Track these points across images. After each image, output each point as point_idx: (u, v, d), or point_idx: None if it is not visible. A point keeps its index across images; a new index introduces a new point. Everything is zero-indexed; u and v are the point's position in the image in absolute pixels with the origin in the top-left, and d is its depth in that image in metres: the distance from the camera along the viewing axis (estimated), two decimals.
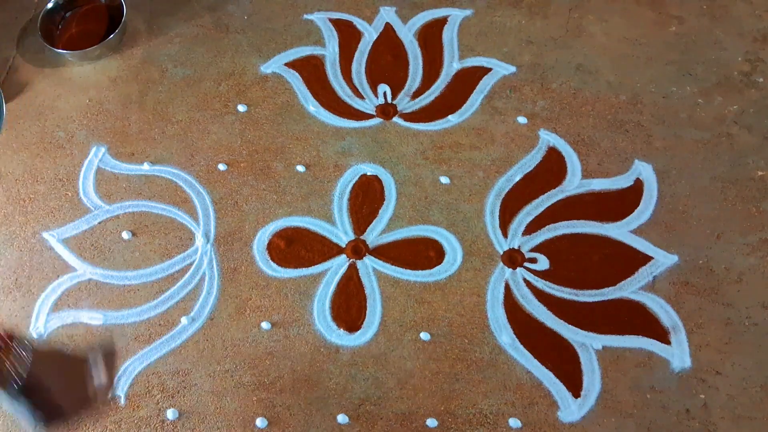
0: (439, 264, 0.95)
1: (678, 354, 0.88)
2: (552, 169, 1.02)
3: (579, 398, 0.86)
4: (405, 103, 1.08)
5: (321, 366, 0.88)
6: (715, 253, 0.95)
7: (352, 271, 0.95)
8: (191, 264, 0.95)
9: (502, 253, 0.96)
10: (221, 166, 1.03)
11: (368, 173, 1.02)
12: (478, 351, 0.89)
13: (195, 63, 1.13)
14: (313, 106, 1.08)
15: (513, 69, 1.11)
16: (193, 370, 0.88)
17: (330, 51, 1.14)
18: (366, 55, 1.14)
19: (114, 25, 1.14)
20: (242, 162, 1.03)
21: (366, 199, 1.00)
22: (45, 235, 0.98)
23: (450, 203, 0.99)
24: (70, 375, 0.69)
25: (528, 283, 0.93)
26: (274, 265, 0.95)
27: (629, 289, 0.92)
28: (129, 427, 0.85)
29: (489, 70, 1.11)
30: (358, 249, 0.96)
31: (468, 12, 1.18)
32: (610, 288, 0.93)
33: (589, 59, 1.12)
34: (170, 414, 0.85)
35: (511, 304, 0.92)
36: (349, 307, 0.92)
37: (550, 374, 0.87)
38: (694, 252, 0.95)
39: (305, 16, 1.18)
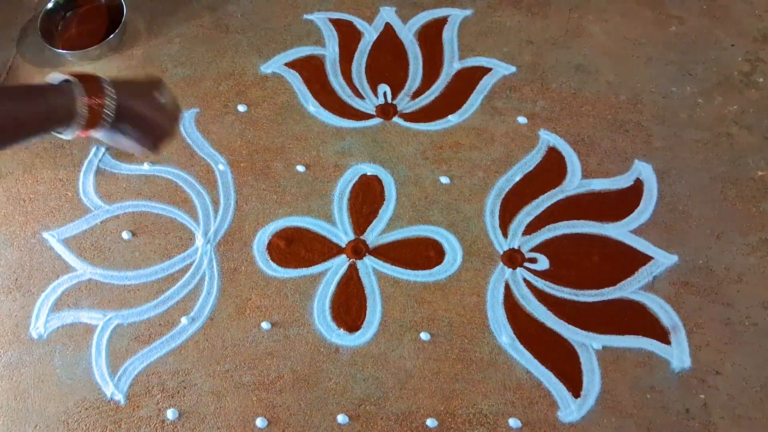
0: (439, 264, 0.95)
1: (678, 354, 0.88)
2: (552, 169, 1.02)
3: (579, 398, 0.86)
4: (405, 103, 1.08)
5: (321, 366, 0.88)
6: (715, 253, 0.95)
7: (352, 271, 0.95)
8: (191, 264, 0.95)
9: (502, 253, 0.96)
10: (221, 166, 1.03)
11: (368, 173, 1.02)
12: (478, 351, 0.89)
13: (195, 63, 1.13)
14: (313, 106, 1.08)
15: (513, 69, 1.11)
16: (193, 370, 0.88)
17: (330, 51, 1.14)
18: (366, 55, 1.14)
19: (114, 25, 1.13)
20: (242, 162, 1.03)
21: (366, 199, 1.00)
22: (45, 235, 0.98)
23: (450, 203, 0.99)
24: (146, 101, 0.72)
25: (528, 283, 0.93)
26: (274, 265, 0.95)
27: (629, 289, 0.92)
28: (129, 427, 0.85)
29: (489, 70, 1.11)
30: (358, 249, 0.96)
31: (468, 12, 1.18)
32: (610, 288, 0.93)
33: (589, 59, 1.12)
34: (170, 414, 0.85)
35: (511, 304, 0.92)
36: (349, 307, 0.92)
37: (550, 374, 0.87)
38: (694, 252, 0.95)
39: (305, 16, 1.18)
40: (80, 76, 0.65)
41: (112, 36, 1.10)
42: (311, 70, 1.12)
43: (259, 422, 0.85)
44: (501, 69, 1.11)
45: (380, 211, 0.99)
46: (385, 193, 1.00)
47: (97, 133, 0.68)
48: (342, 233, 0.97)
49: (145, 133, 0.72)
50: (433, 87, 1.10)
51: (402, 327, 0.91)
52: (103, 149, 1.04)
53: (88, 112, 0.65)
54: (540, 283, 0.93)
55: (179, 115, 0.79)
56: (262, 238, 0.97)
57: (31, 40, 1.16)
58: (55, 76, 0.64)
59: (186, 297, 0.93)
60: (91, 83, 0.66)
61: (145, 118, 0.71)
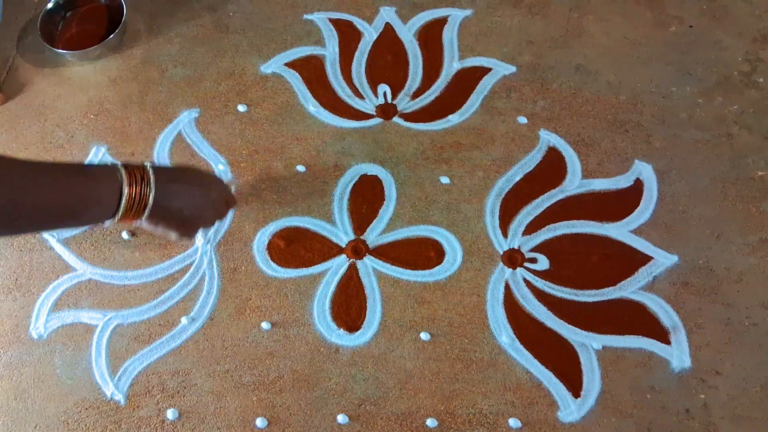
0: (439, 264, 0.95)
1: (678, 354, 0.88)
2: (552, 169, 1.02)
3: (579, 398, 0.86)
4: (405, 103, 1.08)
5: (321, 366, 0.89)
6: (715, 253, 0.95)
7: (352, 271, 0.95)
8: (191, 264, 0.95)
9: (502, 253, 0.96)
10: (221, 166, 1.03)
11: (368, 173, 1.02)
12: (478, 351, 0.89)
13: (195, 63, 1.13)
14: (313, 106, 1.08)
15: (513, 69, 1.11)
16: (193, 370, 0.88)
17: (330, 51, 1.14)
18: (366, 55, 1.14)
19: (114, 25, 1.13)
20: (242, 162, 1.03)
21: (366, 199, 1.00)
22: (45, 235, 0.98)
23: (450, 203, 0.99)
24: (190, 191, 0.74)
25: (528, 283, 0.93)
26: (274, 265, 0.95)
27: (629, 289, 0.92)
28: (129, 427, 0.85)
29: (489, 70, 1.11)
30: (358, 249, 0.96)
31: (468, 12, 1.18)
32: (610, 288, 0.93)
33: (589, 59, 1.12)
34: (170, 414, 0.85)
35: (511, 304, 0.92)
36: (349, 307, 0.92)
37: (550, 374, 0.87)
38: (694, 252, 0.95)
39: (305, 16, 1.18)
40: (126, 164, 0.66)
41: (112, 36, 1.10)
42: (311, 70, 1.12)
43: (259, 422, 0.85)
44: (501, 69, 1.11)
45: (380, 211, 0.99)
46: (385, 193, 1.01)
47: (137, 222, 0.69)
48: (342, 233, 0.97)
49: (183, 227, 0.74)
50: (433, 87, 1.10)
51: (402, 327, 0.91)
52: (103, 149, 1.04)
53: (131, 203, 0.65)
54: (540, 283, 0.93)
55: (226, 210, 0.81)
56: (262, 238, 0.97)
57: (31, 40, 1.16)
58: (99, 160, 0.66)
59: (186, 297, 0.93)
60: (135, 170, 0.66)
61: (182, 216, 0.72)
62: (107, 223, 0.66)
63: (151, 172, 0.67)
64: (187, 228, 0.75)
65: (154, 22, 1.18)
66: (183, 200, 0.71)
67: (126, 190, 0.65)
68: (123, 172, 0.65)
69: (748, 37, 1.14)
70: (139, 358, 0.89)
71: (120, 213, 0.65)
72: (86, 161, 1.03)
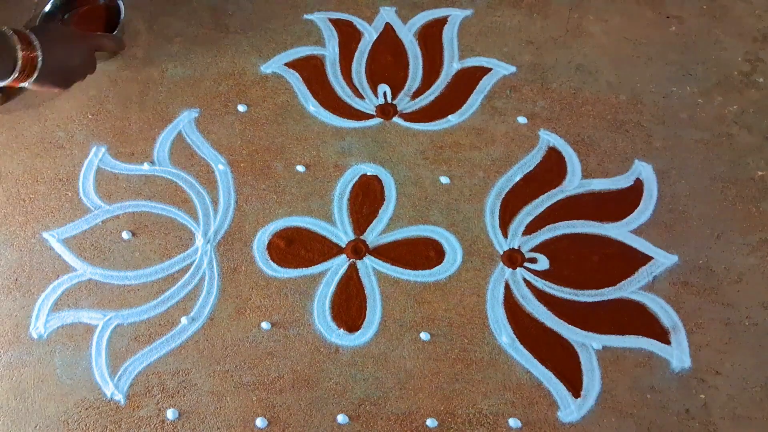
0: (439, 264, 0.95)
1: (678, 354, 0.88)
2: (552, 169, 1.02)
3: (579, 398, 0.86)
4: (405, 103, 1.08)
5: (321, 366, 0.89)
6: (715, 253, 0.95)
7: (352, 271, 0.95)
8: (191, 264, 0.95)
9: (502, 253, 0.96)
10: (221, 166, 1.03)
11: (368, 173, 1.02)
12: (478, 351, 0.89)
13: (195, 63, 1.13)
14: (313, 106, 1.08)
15: (513, 69, 1.11)
16: (193, 370, 0.88)
17: (330, 51, 1.14)
18: (366, 55, 1.14)
19: (112, 26, 1.13)
20: (242, 162, 1.03)
21: (366, 199, 1.00)
22: (45, 235, 0.98)
23: (450, 203, 0.99)
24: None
25: (528, 283, 0.93)
26: (274, 265, 0.95)
27: (629, 289, 0.92)
28: (129, 427, 0.85)
29: (489, 70, 1.11)
30: (358, 249, 0.96)
31: (468, 12, 1.18)
32: (610, 288, 0.93)
33: (589, 59, 1.12)
34: (170, 414, 0.85)
35: (511, 304, 0.92)
36: (349, 307, 0.92)
37: (550, 374, 0.87)
38: (694, 252, 0.95)
39: (305, 16, 1.18)
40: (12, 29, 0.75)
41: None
42: (311, 70, 1.12)
43: (259, 422, 0.85)
44: (501, 69, 1.11)
45: (380, 211, 0.99)
46: (385, 193, 1.01)
47: (25, 83, 0.79)
48: (342, 233, 0.97)
49: (65, 82, 0.86)
50: (433, 87, 1.10)
51: (402, 327, 0.91)
52: (103, 149, 1.04)
53: (25, 65, 0.76)
54: (540, 283, 0.93)
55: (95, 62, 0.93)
56: (262, 238, 0.97)
57: None
58: None
59: (186, 297, 0.93)
60: (22, 35, 0.76)
61: (64, 72, 0.85)
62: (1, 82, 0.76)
63: (33, 36, 0.77)
64: (67, 82, 0.87)
65: (155, 22, 1.18)
66: (65, 57, 0.83)
67: (19, 55, 0.75)
68: (15, 38, 0.75)
69: (748, 37, 1.14)
70: (139, 358, 0.89)
71: (12, 77, 0.76)
72: (86, 161, 1.03)
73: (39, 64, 0.78)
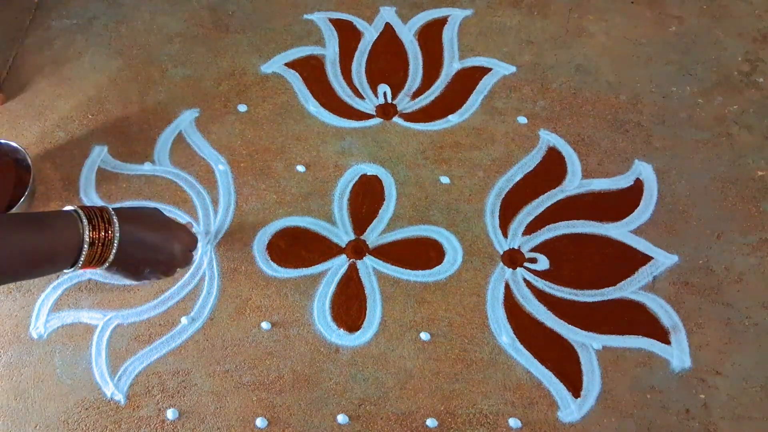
0: (439, 264, 0.95)
1: (678, 354, 0.88)
2: (552, 169, 1.02)
3: (579, 398, 0.86)
4: (405, 103, 1.08)
5: (321, 366, 0.88)
6: (715, 253, 0.95)
7: (353, 271, 0.95)
8: (191, 264, 0.95)
9: (502, 253, 0.96)
10: (221, 166, 1.03)
11: (368, 173, 1.02)
12: (478, 351, 0.89)
13: (195, 63, 1.13)
14: (313, 106, 1.08)
15: (513, 69, 1.11)
16: (193, 370, 0.88)
17: (330, 51, 1.14)
18: (366, 55, 1.14)
19: (23, 182, 0.97)
20: (242, 162, 1.03)
21: (366, 199, 1.00)
22: None
23: (450, 203, 0.99)
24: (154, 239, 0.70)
25: (528, 283, 0.93)
26: (274, 265, 0.95)
27: (629, 289, 0.92)
28: (129, 427, 0.85)
29: (489, 70, 1.11)
30: (358, 249, 0.96)
31: (468, 12, 1.18)
32: (610, 288, 0.93)
33: (589, 59, 1.12)
34: (170, 414, 0.85)
35: (511, 304, 0.92)
36: (349, 307, 0.92)
37: (550, 374, 0.87)
38: (694, 252, 0.95)
39: (305, 16, 1.18)
40: (86, 208, 0.61)
41: (22, 200, 0.95)
42: (311, 70, 1.12)
43: (259, 422, 0.85)
44: (501, 69, 1.11)
45: (380, 211, 0.99)
46: (385, 193, 1.00)
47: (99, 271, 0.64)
48: (342, 233, 0.97)
49: (142, 276, 0.70)
50: (433, 87, 1.10)
51: (402, 327, 0.91)
52: (103, 149, 1.04)
53: (93, 255, 0.61)
54: (540, 283, 0.93)
55: (189, 259, 0.76)
56: (262, 238, 0.97)
57: (31, 40, 1.16)
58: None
59: (186, 297, 0.93)
60: (96, 217, 0.61)
61: (143, 266, 0.68)
62: (67, 272, 0.62)
63: (115, 219, 0.62)
64: (146, 277, 0.72)
65: (155, 22, 1.18)
66: (146, 250, 0.67)
67: (87, 241, 0.60)
68: (84, 220, 0.60)
69: (748, 37, 1.14)
70: (139, 358, 0.89)
71: (80, 264, 0.61)
72: (86, 161, 1.03)
73: (113, 255, 0.63)
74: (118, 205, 0.99)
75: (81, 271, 0.63)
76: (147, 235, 0.67)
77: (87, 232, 0.60)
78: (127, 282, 0.70)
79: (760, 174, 1.01)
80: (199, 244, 0.96)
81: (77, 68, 1.13)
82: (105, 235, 0.61)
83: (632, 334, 0.89)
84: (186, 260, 0.76)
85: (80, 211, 0.61)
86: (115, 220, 0.62)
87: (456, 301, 0.92)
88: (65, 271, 0.62)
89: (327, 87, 1.10)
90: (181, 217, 0.99)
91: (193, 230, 0.78)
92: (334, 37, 1.16)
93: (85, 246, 0.60)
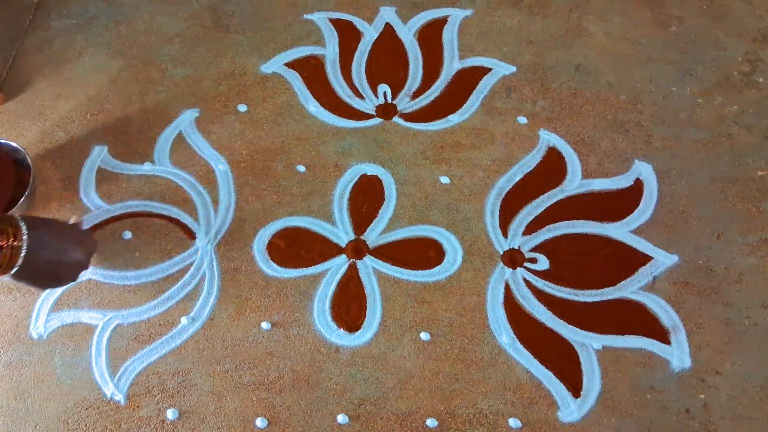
0: (439, 264, 0.95)
1: (678, 354, 0.88)
2: (552, 169, 1.02)
3: (579, 398, 0.86)
4: (405, 103, 1.08)
5: (321, 366, 0.88)
6: (715, 253, 0.95)
7: (353, 271, 0.95)
8: (191, 264, 0.95)
9: (502, 253, 0.96)
10: (221, 166, 1.03)
11: (368, 173, 1.02)
12: (478, 351, 0.89)
13: (195, 63, 1.13)
14: (313, 106, 1.08)
15: (513, 69, 1.11)
16: (193, 370, 0.88)
17: (330, 51, 1.14)
18: (366, 55, 1.14)
19: (23, 181, 0.97)
20: (242, 162, 1.03)
21: (366, 199, 1.00)
22: None
23: (450, 203, 0.99)
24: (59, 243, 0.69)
25: (528, 283, 0.93)
26: (274, 265, 0.95)
27: (629, 289, 0.92)
28: (129, 427, 0.85)
29: (489, 70, 1.11)
30: (358, 249, 0.96)
31: (468, 12, 1.18)
32: (610, 288, 0.93)
33: (589, 59, 1.12)
34: (170, 414, 0.85)
35: (511, 304, 0.92)
36: (349, 307, 0.92)
37: (550, 374, 0.87)
38: (694, 252, 0.95)
39: (305, 16, 1.18)
40: None
41: (22, 200, 0.94)
42: (311, 70, 1.12)
43: (259, 422, 0.85)
44: (501, 69, 1.11)
45: (380, 211, 0.99)
46: (385, 193, 1.00)
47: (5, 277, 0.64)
48: (342, 233, 0.97)
49: (48, 282, 0.70)
50: (433, 87, 1.10)
51: (402, 327, 0.91)
52: (103, 149, 1.04)
53: (2, 252, 0.60)
54: (540, 283, 0.93)
55: (88, 263, 0.75)
56: (262, 238, 0.97)
57: (31, 40, 1.16)
58: None
59: (186, 297, 0.93)
60: (5, 222, 0.61)
61: (49, 272, 0.67)
62: None
63: (22, 225, 0.62)
64: (52, 283, 0.71)
65: (154, 22, 1.18)
66: (52, 255, 0.67)
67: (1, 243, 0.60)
68: None
69: (748, 37, 1.14)
70: (139, 358, 0.89)
71: None
72: (86, 161, 1.03)
73: (19, 261, 0.62)
74: (118, 205, 1.00)
75: None
76: (53, 241, 0.67)
77: None
78: (33, 288, 0.71)
79: (760, 174, 1.01)
80: (200, 244, 0.96)
81: (77, 68, 1.13)
82: (14, 240, 0.61)
83: (632, 334, 0.89)
84: (88, 265, 0.77)
85: None
86: (22, 226, 0.62)
87: (456, 301, 0.92)
88: None
89: (327, 87, 1.10)
90: (181, 216, 0.99)
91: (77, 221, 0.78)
92: (334, 37, 1.16)
93: None
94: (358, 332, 0.91)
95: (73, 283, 0.80)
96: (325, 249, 0.96)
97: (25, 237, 0.62)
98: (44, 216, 0.71)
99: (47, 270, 0.68)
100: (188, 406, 0.86)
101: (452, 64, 1.12)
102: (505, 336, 0.89)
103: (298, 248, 0.96)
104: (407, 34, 1.16)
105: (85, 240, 0.74)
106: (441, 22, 1.17)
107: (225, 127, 1.06)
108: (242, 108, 1.08)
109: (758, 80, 1.09)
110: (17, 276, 0.64)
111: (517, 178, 1.01)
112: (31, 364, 0.89)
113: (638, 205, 0.98)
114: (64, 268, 0.71)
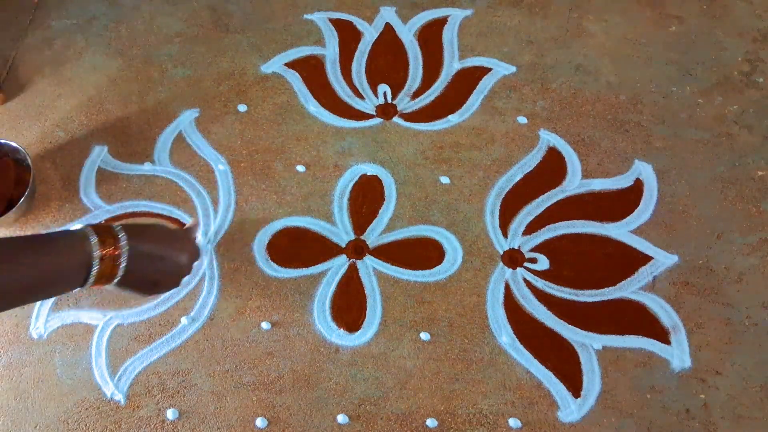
0: (439, 264, 0.95)
1: (678, 354, 0.88)
2: (552, 169, 1.02)
3: (579, 398, 0.86)
4: (405, 103, 1.08)
5: (321, 366, 0.88)
6: (715, 253, 0.95)
7: (353, 271, 0.95)
8: None
9: (502, 253, 0.96)
10: (221, 166, 1.03)
11: (368, 173, 1.02)
12: (478, 351, 0.89)
13: (195, 63, 1.13)
14: (313, 106, 1.08)
15: (513, 69, 1.11)
16: (193, 370, 0.88)
17: (330, 51, 1.14)
18: (366, 55, 1.14)
19: (23, 182, 0.97)
20: (242, 162, 1.03)
21: (366, 199, 1.00)
22: None
23: (450, 203, 0.99)
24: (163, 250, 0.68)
25: (528, 283, 0.93)
26: (274, 265, 0.95)
27: (629, 289, 0.92)
28: (129, 427, 0.85)
29: (489, 70, 1.11)
30: (358, 249, 0.96)
31: (468, 12, 1.18)
32: (610, 288, 0.93)
33: (589, 59, 1.12)
34: (170, 414, 0.85)
35: (511, 304, 0.92)
36: (349, 307, 0.92)
37: (550, 374, 0.87)
38: (694, 252, 0.95)
39: (305, 16, 1.18)
40: (94, 226, 0.60)
41: (21, 201, 0.94)
42: (311, 70, 1.12)
43: (259, 422, 0.85)
44: (501, 69, 1.11)
45: (380, 211, 0.99)
46: (385, 193, 1.00)
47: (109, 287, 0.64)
48: (342, 233, 0.97)
49: (152, 290, 0.69)
50: (433, 87, 1.10)
51: (402, 327, 0.91)
52: (103, 149, 1.04)
53: (104, 264, 0.60)
54: (540, 283, 0.93)
55: (190, 269, 0.74)
56: (262, 238, 0.97)
57: (31, 40, 1.16)
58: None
59: (186, 297, 0.93)
60: (104, 232, 0.61)
61: (152, 280, 0.68)
62: (76, 291, 0.62)
63: (122, 234, 0.61)
64: (156, 290, 0.71)
65: (154, 22, 1.18)
66: (154, 263, 0.66)
67: (96, 258, 0.59)
68: (93, 237, 0.59)
69: (748, 37, 1.14)
70: (139, 358, 0.89)
71: (91, 281, 0.60)
72: (86, 161, 1.03)
73: (120, 272, 0.62)
74: (118, 205, 1.00)
75: (93, 288, 0.62)
76: (154, 248, 0.67)
77: (96, 250, 0.60)
78: (138, 296, 0.70)
79: (760, 174, 1.01)
80: (200, 244, 0.96)
81: (77, 68, 1.13)
82: (113, 250, 0.61)
83: (632, 334, 0.89)
84: (191, 270, 0.76)
85: (88, 229, 0.61)
86: (122, 236, 0.62)
87: (456, 301, 0.92)
88: (76, 290, 0.63)
89: (327, 87, 1.10)
90: (182, 217, 0.99)
91: (198, 236, 0.78)
92: (334, 37, 1.16)
93: (95, 263, 0.60)
94: (358, 332, 0.91)
95: (176, 289, 0.80)
96: (325, 249, 0.96)
97: (125, 246, 0.62)
98: (143, 222, 0.69)
99: (149, 277, 0.68)
100: (188, 406, 0.86)
101: (452, 64, 1.12)
102: (505, 336, 0.89)
103: (298, 248, 0.96)
104: (407, 34, 1.16)
105: (186, 245, 0.73)
106: (441, 22, 1.17)
107: (225, 127, 1.06)
108: (242, 108, 1.08)
109: (758, 80, 1.09)
110: (120, 284, 0.64)
111: (517, 178, 1.01)
112: (31, 364, 0.89)
113: (638, 205, 0.98)
114: (167, 274, 0.70)
